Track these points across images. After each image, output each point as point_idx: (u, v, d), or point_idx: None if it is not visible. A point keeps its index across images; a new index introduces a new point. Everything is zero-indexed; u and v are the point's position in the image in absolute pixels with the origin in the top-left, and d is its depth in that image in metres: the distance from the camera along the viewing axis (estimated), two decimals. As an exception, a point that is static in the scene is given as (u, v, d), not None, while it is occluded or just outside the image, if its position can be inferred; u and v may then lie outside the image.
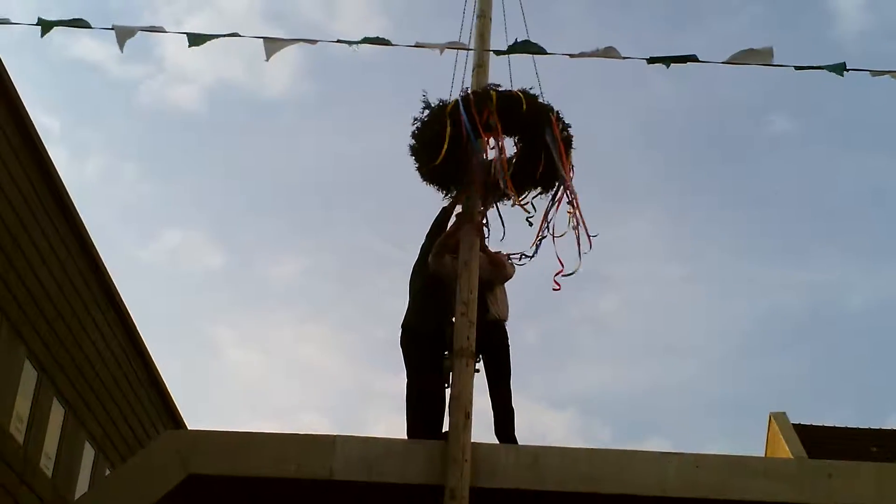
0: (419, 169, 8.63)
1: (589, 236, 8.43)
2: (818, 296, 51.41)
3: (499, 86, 8.37)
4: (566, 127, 8.48)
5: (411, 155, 8.60)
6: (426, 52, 8.58)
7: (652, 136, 49.19)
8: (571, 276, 8.47)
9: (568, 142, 8.48)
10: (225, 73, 50.71)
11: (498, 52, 8.84)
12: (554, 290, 8.50)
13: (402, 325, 8.61)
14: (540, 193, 8.66)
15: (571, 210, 8.49)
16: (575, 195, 8.48)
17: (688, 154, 50.73)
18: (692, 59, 8.44)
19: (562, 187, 8.51)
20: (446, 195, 8.78)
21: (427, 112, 8.39)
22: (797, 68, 8.41)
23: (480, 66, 8.87)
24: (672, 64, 8.37)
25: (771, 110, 49.89)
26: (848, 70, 8.34)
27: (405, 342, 8.52)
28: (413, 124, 8.46)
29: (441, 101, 8.39)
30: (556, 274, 8.51)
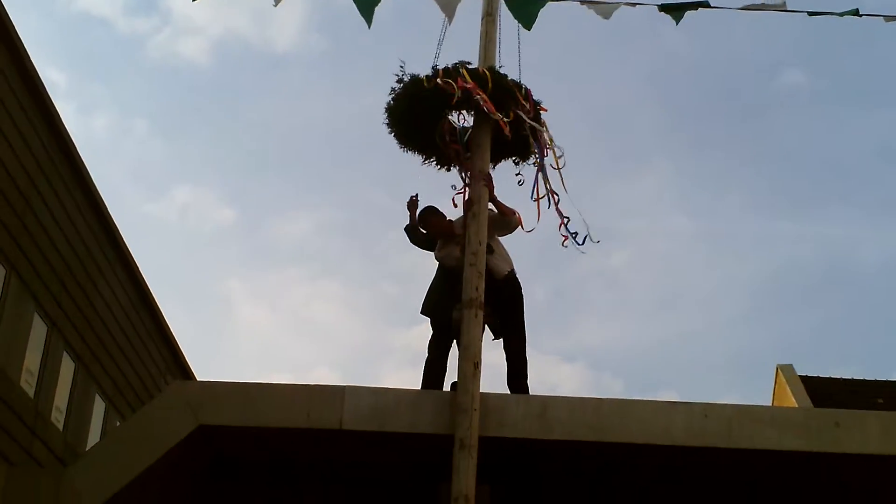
0: (397, 138, 8.78)
1: (561, 215, 8.60)
2: (829, 251, 51.37)
3: (469, 63, 8.43)
4: (537, 104, 8.55)
5: (387, 125, 8.72)
6: (434, 4, 8.61)
7: (662, 89, 49.00)
8: (569, 242, 8.59)
9: (537, 118, 8.53)
10: (232, 25, 50.48)
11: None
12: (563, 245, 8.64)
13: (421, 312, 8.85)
14: (517, 162, 8.83)
15: (547, 187, 8.62)
16: (546, 175, 8.63)
17: (698, 108, 50.54)
18: (704, 4, 8.39)
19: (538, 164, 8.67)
20: (426, 160, 8.86)
21: (400, 85, 8.49)
22: (810, 14, 8.35)
23: (489, 15, 8.86)
24: (685, 12, 8.34)
25: (783, 64, 49.60)
26: (861, 15, 8.28)
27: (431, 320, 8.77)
28: (389, 95, 8.58)
29: (414, 75, 8.45)
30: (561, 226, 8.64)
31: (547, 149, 8.60)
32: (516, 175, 8.73)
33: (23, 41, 13.84)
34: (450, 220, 8.82)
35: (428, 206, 8.91)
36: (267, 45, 49.92)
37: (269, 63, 50.00)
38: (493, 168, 8.67)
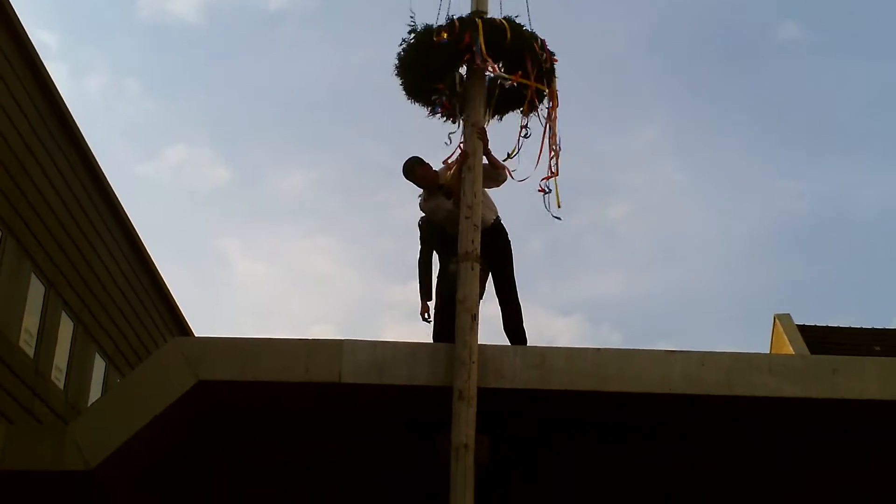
0: (405, 89, 8.74)
1: (552, 170, 8.58)
2: (825, 201, 51.34)
3: (484, 13, 8.41)
4: (551, 56, 8.55)
5: (397, 75, 8.69)
6: None
7: (660, 40, 48.68)
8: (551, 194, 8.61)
9: (551, 71, 8.56)
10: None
11: None
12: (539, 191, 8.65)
13: None
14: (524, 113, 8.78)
15: (550, 141, 8.62)
16: (553, 129, 8.60)
17: (696, 59, 50.27)
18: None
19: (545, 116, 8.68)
20: (431, 112, 8.81)
21: (412, 35, 8.46)
22: None
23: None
24: None
25: (782, 15, 49.29)
26: None
27: None
28: (400, 46, 8.56)
29: (427, 24, 8.43)
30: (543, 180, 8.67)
31: (554, 107, 8.62)
32: (523, 127, 8.73)
33: (12, 4, 13.73)
34: (435, 171, 8.82)
35: (414, 157, 8.87)
36: (259, 0, 49.53)
37: (261, 19, 49.63)
38: (501, 119, 8.73)
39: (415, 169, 8.82)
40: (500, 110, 8.78)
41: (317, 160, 54.65)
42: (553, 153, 8.61)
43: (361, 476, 9.78)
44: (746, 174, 47.77)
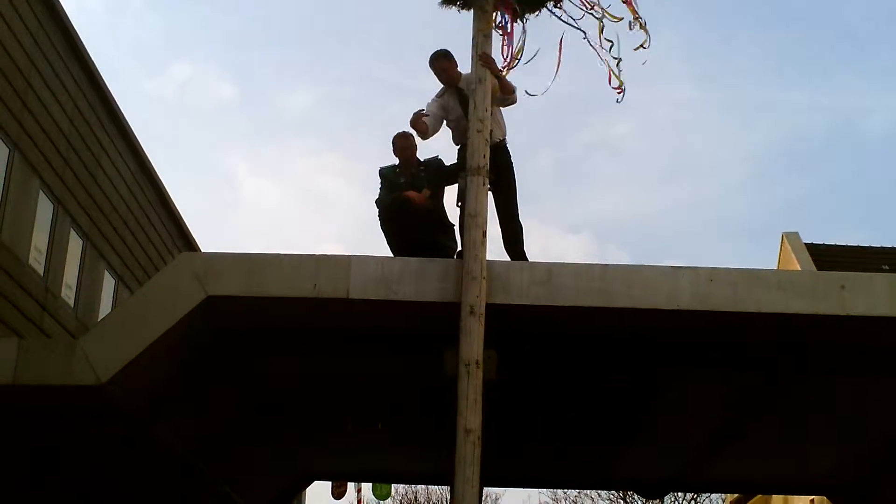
0: None
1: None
2: (838, 118, 50.93)
3: None
4: None
5: None
6: None
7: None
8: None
9: None
10: None
11: None
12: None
13: None
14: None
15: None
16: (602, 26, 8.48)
17: (704, -27, 49.39)
18: None
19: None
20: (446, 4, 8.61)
21: None
22: None
23: None
24: None
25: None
26: None
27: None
28: None
29: None
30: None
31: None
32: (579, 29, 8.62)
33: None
34: (459, 71, 8.75)
35: (443, 49, 8.81)
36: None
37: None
38: (536, 14, 8.61)
39: (439, 59, 8.76)
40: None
41: (323, 76, 54.26)
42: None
43: (368, 391, 9.89)
44: (756, 88, 47.34)
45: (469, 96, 8.11)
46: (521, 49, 8.46)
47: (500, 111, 8.73)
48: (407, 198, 8.68)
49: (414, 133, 8.79)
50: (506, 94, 8.47)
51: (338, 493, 36.75)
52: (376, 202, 9.04)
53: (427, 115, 8.52)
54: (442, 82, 8.79)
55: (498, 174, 8.40)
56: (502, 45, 8.42)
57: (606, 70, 8.52)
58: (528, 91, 8.63)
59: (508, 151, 8.77)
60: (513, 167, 8.73)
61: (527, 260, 8.43)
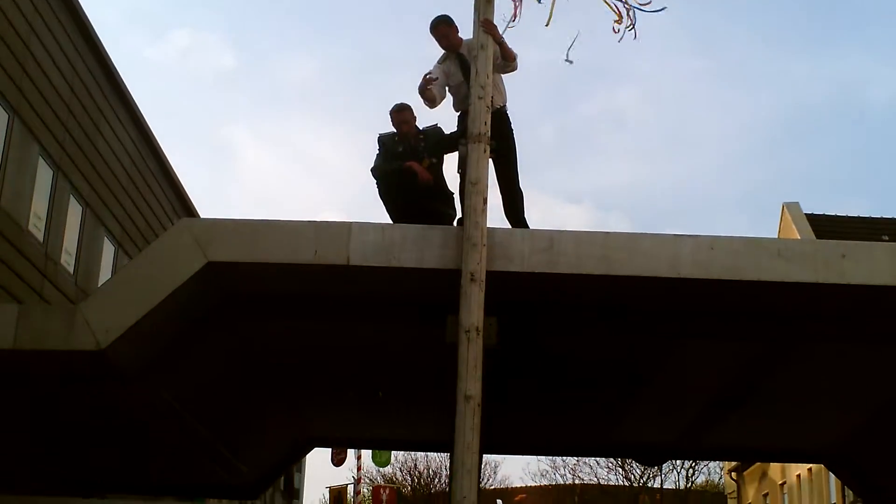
0: None
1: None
2: (840, 89, 50.82)
3: None
4: None
5: None
6: None
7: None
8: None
9: None
10: None
11: None
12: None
13: None
14: None
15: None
16: None
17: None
18: None
19: None
20: None
21: None
22: None
23: None
24: None
25: None
26: None
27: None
28: None
29: None
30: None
31: None
32: None
33: None
34: (460, 37, 8.74)
35: (444, 15, 8.79)
36: None
37: None
38: None
39: (440, 25, 8.74)
40: None
41: (325, 45, 54.04)
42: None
43: (368, 357, 9.91)
44: (761, 59, 47.14)
45: (470, 63, 8.06)
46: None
47: (501, 77, 8.71)
48: (412, 171, 8.64)
49: (414, 105, 8.77)
50: (508, 61, 8.44)
51: (338, 459, 36.98)
52: (372, 170, 9.00)
53: (436, 79, 8.49)
54: (443, 48, 8.75)
55: (498, 141, 8.39)
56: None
57: (615, 15, 8.40)
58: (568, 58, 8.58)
59: (509, 118, 8.76)
60: (513, 134, 8.73)
61: (527, 227, 8.42)
